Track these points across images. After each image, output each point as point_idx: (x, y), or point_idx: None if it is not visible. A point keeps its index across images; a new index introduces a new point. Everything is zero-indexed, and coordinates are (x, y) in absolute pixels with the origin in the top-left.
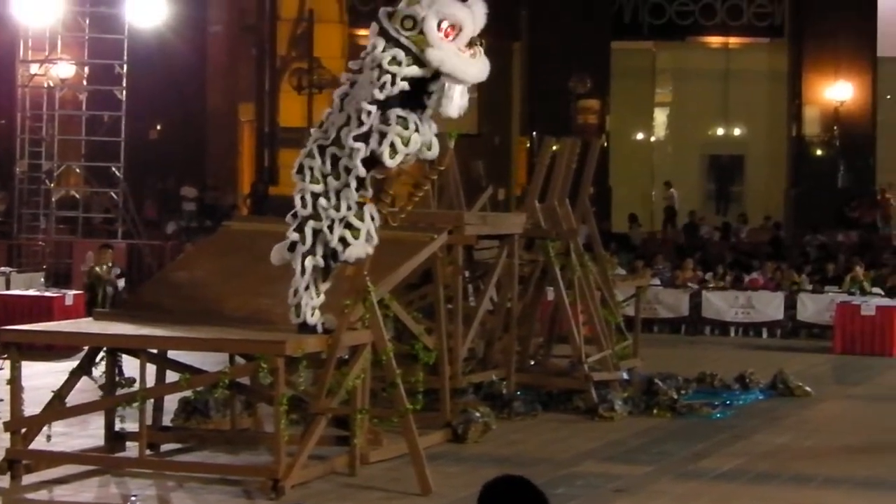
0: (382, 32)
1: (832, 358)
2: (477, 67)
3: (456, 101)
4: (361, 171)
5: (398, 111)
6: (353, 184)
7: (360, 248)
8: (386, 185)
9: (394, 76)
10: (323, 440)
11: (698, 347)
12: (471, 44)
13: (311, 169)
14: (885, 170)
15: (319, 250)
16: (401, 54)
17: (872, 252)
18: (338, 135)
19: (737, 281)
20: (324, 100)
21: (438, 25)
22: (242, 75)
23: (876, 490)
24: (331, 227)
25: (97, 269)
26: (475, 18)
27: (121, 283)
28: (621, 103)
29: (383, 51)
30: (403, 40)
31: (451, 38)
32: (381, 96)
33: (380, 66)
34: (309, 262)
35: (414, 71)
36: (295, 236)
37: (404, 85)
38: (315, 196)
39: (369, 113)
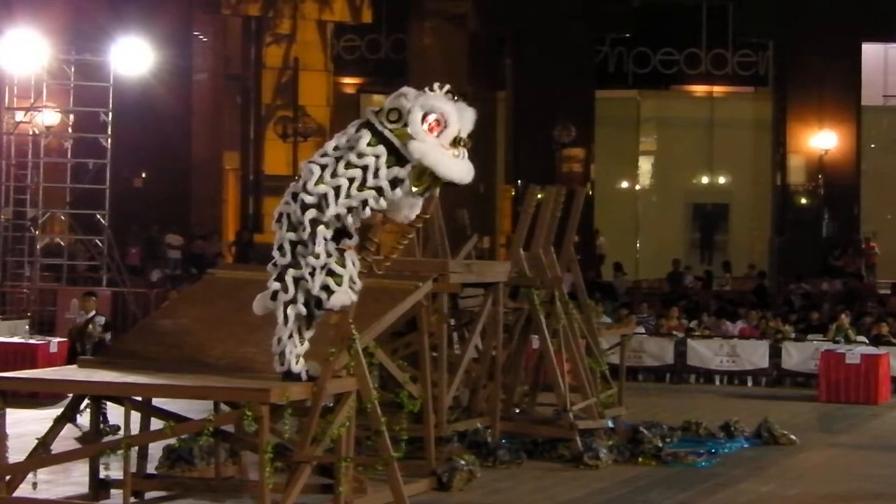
0: (369, 126)
1: (817, 406)
2: (459, 167)
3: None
4: (328, 234)
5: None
6: (320, 236)
7: (344, 296)
8: (371, 232)
9: (378, 190)
10: (307, 488)
11: (683, 395)
12: (455, 142)
13: (289, 216)
14: (869, 218)
15: (301, 298)
16: (383, 154)
17: (857, 301)
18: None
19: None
20: (309, 148)
21: (424, 118)
22: (227, 123)
23: None
24: (312, 274)
25: (79, 318)
26: (462, 118)
27: (102, 330)
28: (606, 152)
29: (367, 144)
30: (388, 134)
31: (435, 133)
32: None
33: (362, 165)
34: (291, 310)
35: (395, 172)
36: (276, 285)
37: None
38: (293, 244)
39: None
